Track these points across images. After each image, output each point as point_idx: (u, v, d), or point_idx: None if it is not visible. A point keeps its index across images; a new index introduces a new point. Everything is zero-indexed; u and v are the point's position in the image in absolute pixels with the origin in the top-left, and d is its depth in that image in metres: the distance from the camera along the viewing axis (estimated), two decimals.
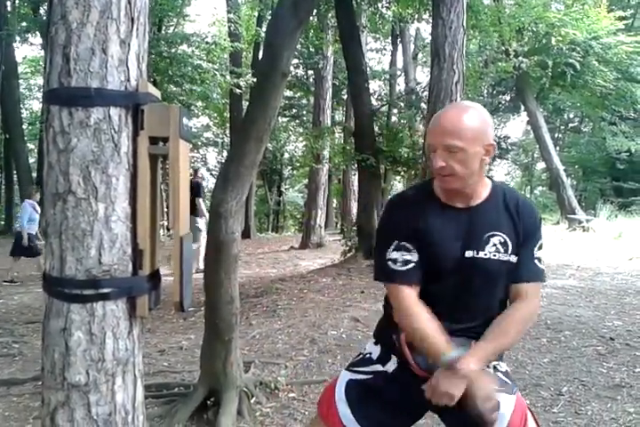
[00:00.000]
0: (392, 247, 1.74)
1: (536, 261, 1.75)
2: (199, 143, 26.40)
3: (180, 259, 1.58)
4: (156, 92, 1.62)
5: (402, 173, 8.66)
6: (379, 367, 1.85)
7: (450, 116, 1.68)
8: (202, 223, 8.66)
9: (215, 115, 24.68)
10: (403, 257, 1.72)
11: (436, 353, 1.64)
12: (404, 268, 1.72)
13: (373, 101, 10.45)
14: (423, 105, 8.66)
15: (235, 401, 3.09)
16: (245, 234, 14.08)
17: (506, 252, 1.72)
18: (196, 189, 8.52)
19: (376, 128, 8.67)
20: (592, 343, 4.50)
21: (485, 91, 17.02)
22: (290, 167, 26.76)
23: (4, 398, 3.57)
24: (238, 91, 12.33)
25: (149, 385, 3.56)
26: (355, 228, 8.86)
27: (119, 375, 1.55)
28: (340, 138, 14.81)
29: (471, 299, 1.74)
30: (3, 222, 19.22)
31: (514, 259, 1.72)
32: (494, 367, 1.77)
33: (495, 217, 1.74)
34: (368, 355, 1.91)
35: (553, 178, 16.57)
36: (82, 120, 1.49)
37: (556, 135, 27.81)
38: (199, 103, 19.42)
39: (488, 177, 1.80)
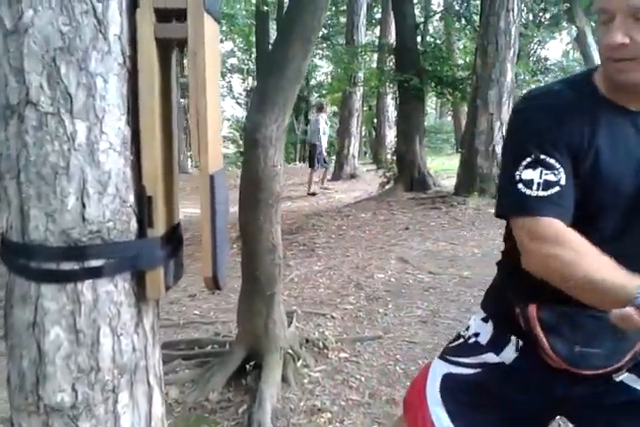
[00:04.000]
0: (524, 163, 1.10)
1: None
2: (224, 70, 25.35)
3: (212, 209, 0.99)
4: None
5: (447, 96, 7.84)
6: (491, 357, 1.26)
7: None
8: None
9: (240, 39, 23.48)
10: (543, 177, 1.09)
11: (618, 292, 0.98)
12: (546, 193, 1.08)
13: (417, 14, 9.43)
14: (475, 17, 7.69)
15: (279, 365, 2.62)
16: None
17: None
18: None
19: (419, 46, 7.79)
20: None
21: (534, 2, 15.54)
22: (317, 95, 25.67)
23: None
24: (265, 8, 11.31)
25: (178, 342, 3.11)
26: (394, 157, 8.18)
27: (124, 390, 1.01)
28: (371, 61, 13.82)
29: None
30: None
31: None
32: None
33: None
34: (473, 338, 1.31)
35: None
36: None
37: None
38: (224, 27, 18.30)
39: None
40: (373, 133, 18.41)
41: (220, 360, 2.70)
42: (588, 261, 1.03)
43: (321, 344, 2.98)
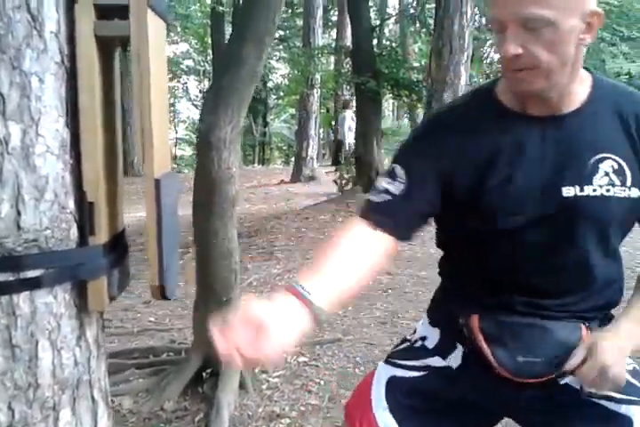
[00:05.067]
0: (387, 171, 1.16)
1: None
2: (179, 71, 25.07)
3: (158, 215, 0.94)
4: None
5: (404, 99, 7.89)
6: (437, 361, 1.24)
7: None
8: None
9: (195, 41, 23.20)
10: (385, 185, 1.13)
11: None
12: (376, 199, 1.13)
13: (373, 16, 9.49)
14: (430, 20, 7.76)
15: (236, 372, 2.56)
16: None
17: (623, 184, 1.08)
18: None
19: (375, 48, 7.83)
20: None
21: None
22: (274, 96, 25.60)
23: None
24: (221, 8, 11.20)
25: (132, 350, 3.02)
26: (352, 159, 8.20)
27: (66, 406, 0.96)
28: (329, 63, 13.86)
29: (571, 265, 1.13)
30: None
31: (636, 193, 1.09)
32: None
33: (603, 130, 1.10)
34: (419, 342, 1.29)
35: None
36: None
37: None
38: (178, 28, 18.08)
39: (586, 69, 1.13)
40: (332, 135, 18.42)
41: (176, 368, 2.64)
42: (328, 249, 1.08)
43: None
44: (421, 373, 1.25)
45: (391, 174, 1.13)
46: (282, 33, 18.56)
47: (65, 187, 0.91)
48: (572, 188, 1.07)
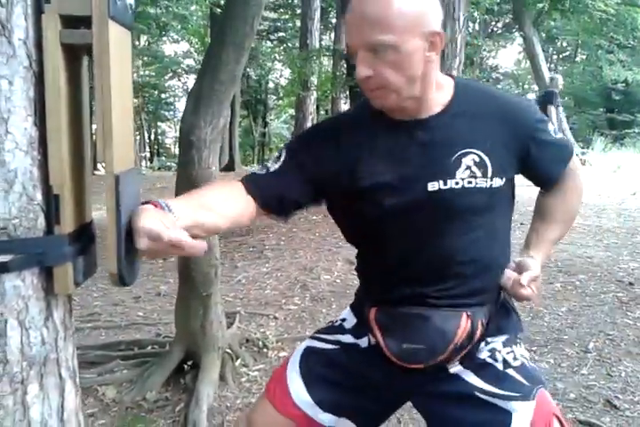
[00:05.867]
0: (274, 156, 1.31)
1: (558, 140, 1.31)
2: (180, 70, 25.23)
3: (117, 209, 1.03)
4: None
5: None
6: (349, 338, 1.39)
7: None
8: None
9: (195, 40, 23.35)
10: (267, 163, 1.29)
11: None
12: (257, 170, 1.29)
13: None
14: None
15: (216, 365, 2.65)
16: (230, 167, 13.46)
17: (484, 175, 1.20)
18: (548, 97, 8.98)
19: None
20: (610, 289, 4.10)
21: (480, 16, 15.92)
22: (274, 97, 25.74)
23: None
24: (219, 10, 11.29)
25: (119, 342, 3.12)
26: None
27: (34, 382, 1.05)
28: (328, 65, 13.93)
29: (443, 253, 1.24)
30: None
31: (498, 183, 1.21)
32: (504, 361, 1.28)
33: (465, 129, 1.21)
34: (339, 322, 1.45)
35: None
36: None
37: (549, 65, 26.86)
38: (178, 26, 18.22)
39: (449, 75, 1.27)
40: None
41: (159, 360, 2.72)
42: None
43: (261, 344, 3.03)
44: (333, 346, 1.39)
45: (277, 156, 1.28)
46: (281, 34, 18.72)
47: (33, 180, 1.00)
48: (436, 182, 1.19)
